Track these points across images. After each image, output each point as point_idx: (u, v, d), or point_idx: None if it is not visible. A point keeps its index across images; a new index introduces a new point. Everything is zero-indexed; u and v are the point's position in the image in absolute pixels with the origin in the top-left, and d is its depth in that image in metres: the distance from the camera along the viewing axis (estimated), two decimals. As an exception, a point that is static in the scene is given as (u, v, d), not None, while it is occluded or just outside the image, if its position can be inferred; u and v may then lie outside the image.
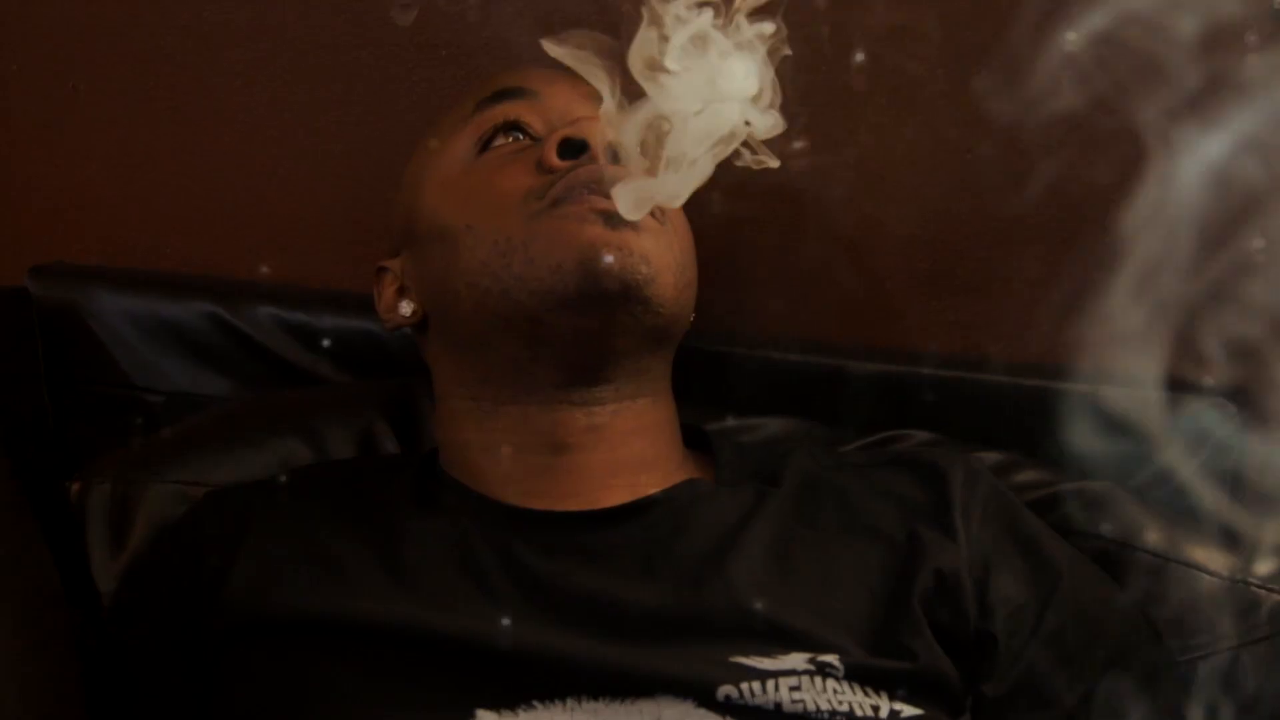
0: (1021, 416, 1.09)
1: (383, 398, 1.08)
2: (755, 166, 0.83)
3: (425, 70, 1.17)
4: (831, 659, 0.79)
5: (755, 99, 0.80)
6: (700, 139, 0.80)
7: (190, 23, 1.18)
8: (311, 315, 1.14)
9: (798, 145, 1.12)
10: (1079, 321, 1.14)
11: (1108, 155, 1.12)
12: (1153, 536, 0.98)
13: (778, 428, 1.08)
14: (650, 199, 0.82)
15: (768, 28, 0.79)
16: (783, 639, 0.80)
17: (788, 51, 0.81)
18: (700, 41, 0.79)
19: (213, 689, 0.85)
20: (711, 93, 0.80)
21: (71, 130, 1.20)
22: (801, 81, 1.09)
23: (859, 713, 0.77)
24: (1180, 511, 1.04)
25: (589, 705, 0.77)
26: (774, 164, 0.83)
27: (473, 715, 0.77)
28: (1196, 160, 1.03)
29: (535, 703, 0.77)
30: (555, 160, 0.89)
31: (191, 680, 0.87)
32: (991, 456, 1.05)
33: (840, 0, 1.12)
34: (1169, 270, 1.12)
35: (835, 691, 0.78)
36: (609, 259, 0.84)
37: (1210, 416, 1.07)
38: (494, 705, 0.77)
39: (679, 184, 0.82)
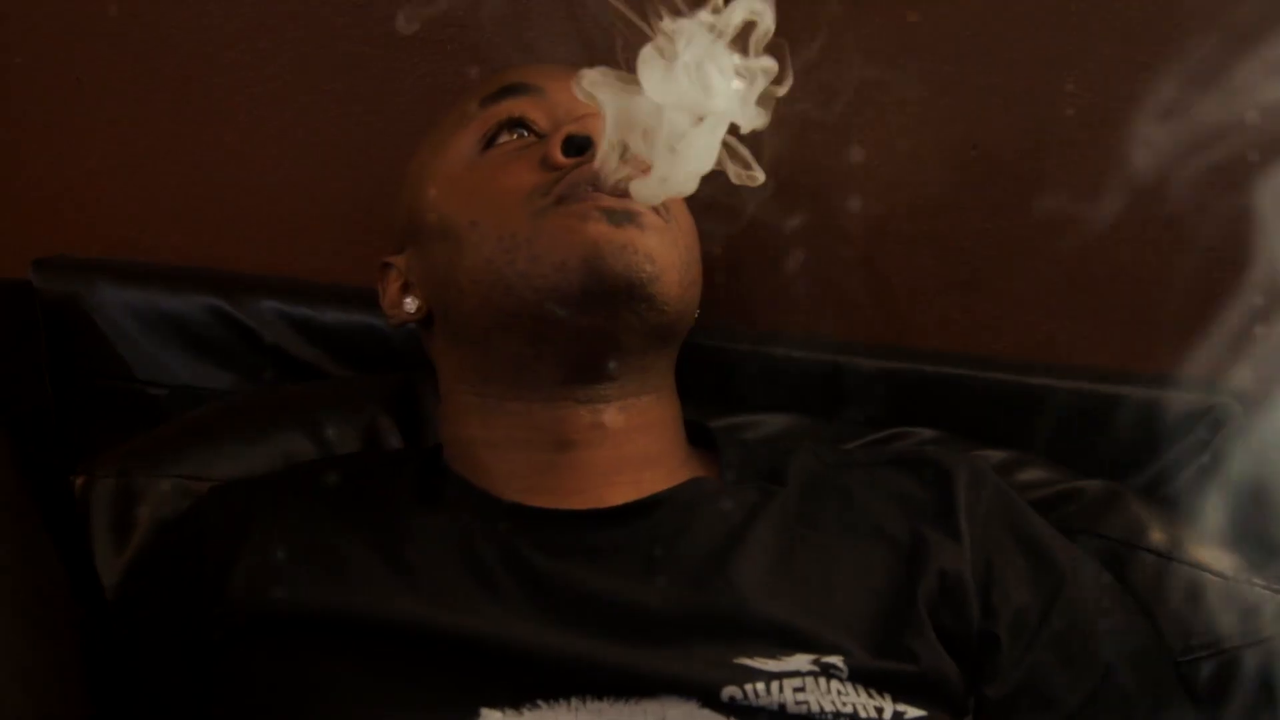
0: (1026, 414, 1.09)
1: (386, 392, 1.08)
2: (746, 183, 0.83)
3: (428, 65, 1.16)
4: (835, 660, 0.79)
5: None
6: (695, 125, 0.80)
7: (193, 16, 1.18)
8: (314, 309, 1.14)
9: (802, 141, 1.12)
10: (1083, 319, 1.14)
11: (1109, 157, 1.12)
12: (1156, 536, 0.98)
13: (781, 424, 1.08)
14: (665, 184, 0.81)
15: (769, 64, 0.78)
16: (787, 640, 0.80)
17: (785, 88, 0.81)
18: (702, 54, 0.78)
19: (216, 685, 0.85)
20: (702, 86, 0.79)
21: (75, 123, 1.20)
22: (807, 77, 1.10)
23: (863, 714, 0.77)
24: (1184, 510, 1.05)
25: (593, 705, 0.77)
26: (760, 179, 0.82)
27: (477, 714, 0.77)
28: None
29: (540, 702, 0.77)
30: (560, 157, 0.89)
31: (194, 676, 0.87)
32: (996, 454, 1.05)
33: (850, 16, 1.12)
34: (1174, 270, 1.12)
35: (839, 693, 0.78)
36: (613, 257, 0.84)
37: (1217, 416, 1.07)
38: (499, 704, 0.77)
39: (687, 170, 0.81)
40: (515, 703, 0.77)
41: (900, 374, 1.10)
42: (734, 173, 0.81)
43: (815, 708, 0.77)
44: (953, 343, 1.14)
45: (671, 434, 0.94)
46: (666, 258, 0.86)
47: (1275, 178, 1.04)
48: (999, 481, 0.93)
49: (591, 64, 0.99)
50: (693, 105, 0.79)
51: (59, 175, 1.21)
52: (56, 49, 1.19)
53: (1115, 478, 1.05)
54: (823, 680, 0.78)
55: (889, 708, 0.78)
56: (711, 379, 1.08)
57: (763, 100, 0.81)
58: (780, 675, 0.78)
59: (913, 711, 0.79)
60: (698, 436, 0.98)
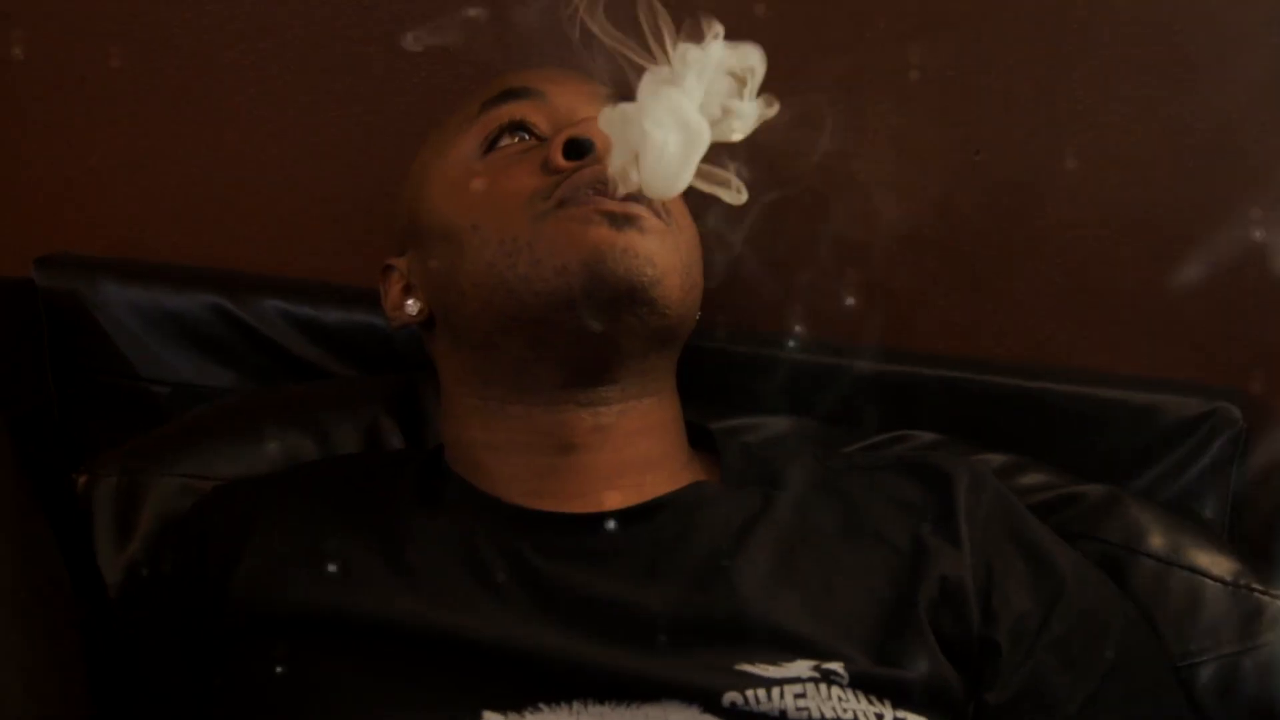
0: (1027, 418, 1.09)
1: (388, 392, 1.09)
2: (728, 200, 0.83)
3: (430, 66, 1.17)
4: (836, 667, 0.79)
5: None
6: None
7: (197, 15, 1.18)
8: (316, 308, 1.14)
9: (806, 143, 1.12)
10: (1084, 323, 1.15)
11: (1112, 162, 1.12)
12: (1156, 541, 0.99)
13: (782, 426, 1.08)
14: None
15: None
16: (788, 646, 0.80)
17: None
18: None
19: (217, 684, 0.86)
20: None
21: (77, 122, 1.20)
22: (812, 81, 1.10)
23: (862, 720, 0.78)
24: (1184, 515, 1.05)
25: (595, 709, 0.77)
26: (740, 200, 0.83)
27: (479, 716, 0.77)
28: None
29: (541, 705, 0.77)
30: (561, 161, 0.89)
31: (196, 675, 0.87)
32: (997, 458, 1.05)
33: (854, 5, 1.12)
34: (1175, 272, 1.13)
35: (840, 699, 0.78)
36: (615, 260, 0.84)
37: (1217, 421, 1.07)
38: (500, 707, 0.77)
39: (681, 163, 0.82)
40: (517, 705, 0.77)
41: (901, 377, 1.10)
42: (721, 194, 0.82)
43: (816, 714, 0.77)
44: (954, 346, 1.14)
45: (673, 437, 0.94)
46: (668, 261, 0.87)
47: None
48: (999, 486, 0.93)
49: (592, 68, 1.00)
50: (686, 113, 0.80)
51: (61, 173, 1.21)
52: (59, 47, 1.19)
53: (1115, 481, 1.05)
54: (823, 686, 0.78)
55: (889, 714, 0.78)
56: (712, 381, 1.08)
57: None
58: (781, 681, 0.78)
59: (913, 718, 0.79)
60: (698, 439, 0.98)
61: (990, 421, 1.09)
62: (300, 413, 1.06)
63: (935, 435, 1.08)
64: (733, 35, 1.11)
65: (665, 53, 0.81)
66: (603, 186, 0.86)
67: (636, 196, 0.86)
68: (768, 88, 1.04)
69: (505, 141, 0.94)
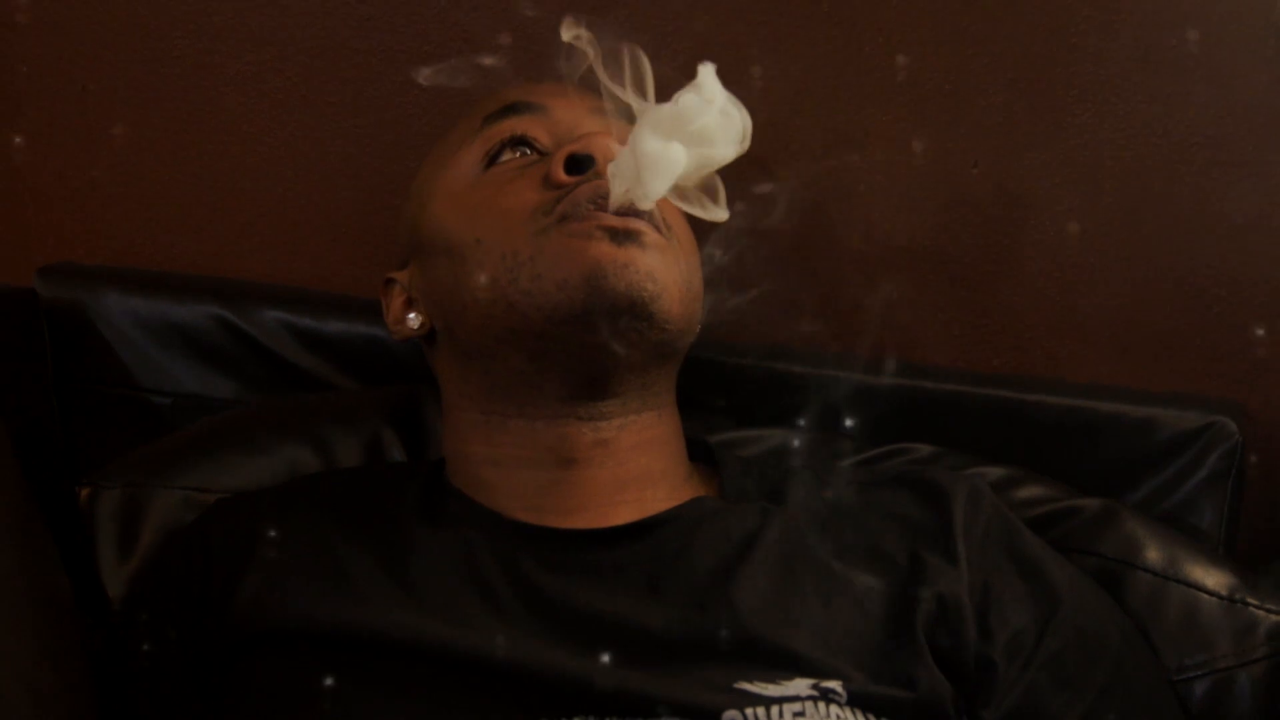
0: (1025, 431, 1.10)
1: (389, 405, 1.09)
2: (705, 218, 0.85)
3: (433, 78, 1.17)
4: (834, 685, 0.80)
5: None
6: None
7: (200, 25, 1.19)
8: (318, 319, 1.15)
9: (805, 159, 1.13)
10: (1081, 336, 1.15)
11: (1109, 177, 1.13)
12: (1152, 555, 0.99)
13: (781, 439, 1.09)
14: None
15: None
16: (786, 664, 0.80)
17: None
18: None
19: (221, 697, 0.86)
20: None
21: (80, 132, 1.21)
22: (811, 96, 1.10)
23: (861, 739, 0.78)
24: (1180, 528, 1.05)
25: None
26: (722, 217, 0.84)
27: (481, 732, 0.78)
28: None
29: None
30: (563, 176, 0.89)
31: (199, 688, 0.87)
32: (994, 471, 1.06)
33: (851, 17, 1.12)
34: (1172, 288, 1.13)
35: (838, 717, 0.78)
36: (615, 275, 0.84)
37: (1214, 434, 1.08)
38: None
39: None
40: None
41: (899, 390, 1.10)
42: (700, 211, 0.84)
43: (815, 733, 0.78)
44: (952, 359, 1.15)
45: (673, 451, 0.94)
46: (668, 275, 0.87)
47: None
48: (996, 502, 0.94)
49: (593, 83, 1.00)
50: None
51: (64, 183, 1.22)
52: (62, 58, 1.20)
53: (1113, 494, 1.06)
54: (822, 705, 0.78)
55: (887, 733, 0.79)
56: (712, 393, 1.08)
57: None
58: (780, 700, 0.78)
59: (911, 737, 0.80)
60: (697, 452, 0.98)
61: (988, 434, 1.09)
62: (302, 425, 1.06)
63: (933, 448, 1.08)
64: (736, 49, 1.13)
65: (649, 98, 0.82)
66: (603, 201, 0.86)
67: (637, 211, 0.86)
68: (765, 100, 1.05)
69: (507, 156, 0.94)
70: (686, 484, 0.94)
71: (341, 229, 1.20)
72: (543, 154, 0.94)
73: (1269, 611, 0.96)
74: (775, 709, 0.78)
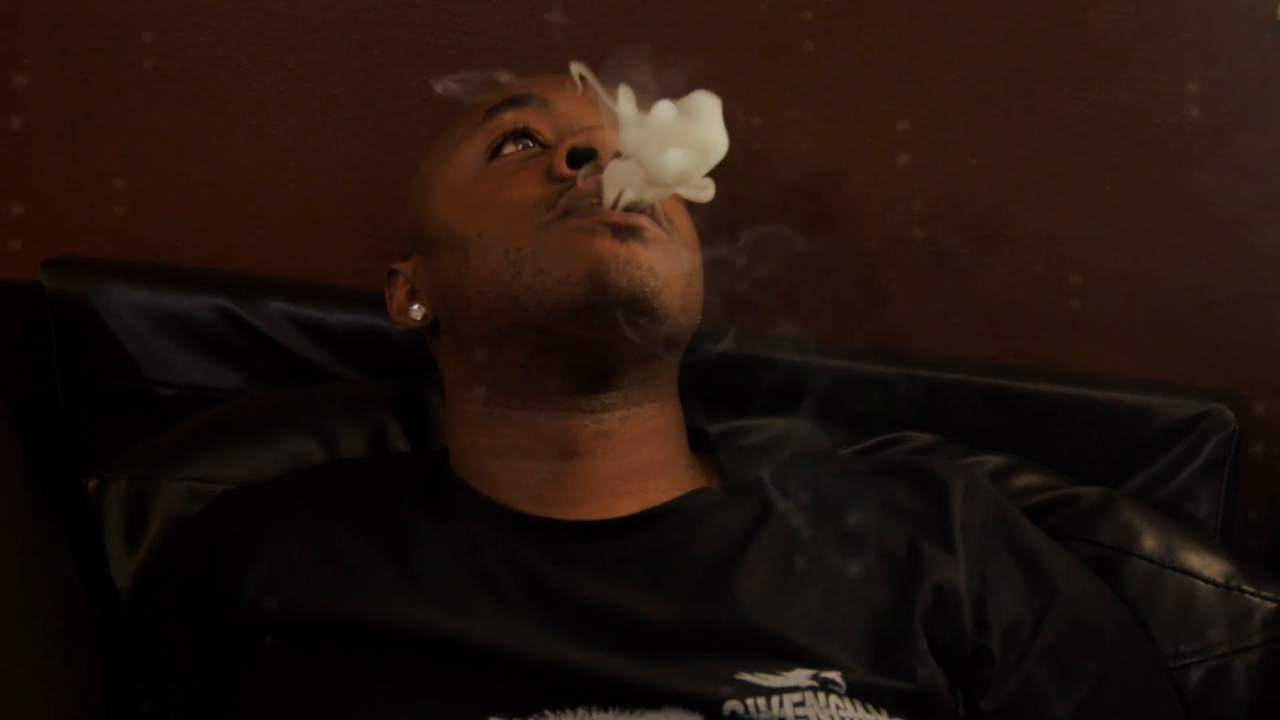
0: (1023, 419, 1.10)
1: (393, 396, 1.10)
2: (690, 198, 0.86)
3: (434, 70, 1.17)
4: (834, 675, 0.81)
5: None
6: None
7: (203, 18, 1.19)
8: (322, 311, 1.15)
9: (801, 148, 1.13)
10: (1080, 325, 1.16)
11: (1106, 166, 1.13)
12: (1149, 543, 1.00)
13: (780, 429, 1.09)
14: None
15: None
16: (787, 655, 0.81)
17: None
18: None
19: (228, 688, 0.87)
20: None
21: (84, 124, 1.21)
22: (808, 86, 1.11)
23: (860, 729, 0.79)
24: (1177, 516, 1.06)
25: (599, 716, 0.79)
26: (707, 196, 0.86)
27: (485, 722, 0.79)
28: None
29: (547, 711, 0.79)
30: (565, 169, 0.89)
31: (206, 678, 0.88)
32: (992, 460, 1.07)
33: (848, 9, 1.13)
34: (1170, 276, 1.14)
35: (838, 707, 0.79)
36: (618, 271, 0.85)
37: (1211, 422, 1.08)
38: (506, 713, 0.79)
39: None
40: (523, 711, 0.79)
41: (897, 379, 1.11)
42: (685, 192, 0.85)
43: (815, 722, 0.79)
44: (950, 348, 1.15)
45: (675, 442, 0.95)
46: (669, 271, 0.87)
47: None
48: (994, 492, 0.94)
49: (594, 76, 1.00)
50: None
51: (68, 176, 1.22)
52: (66, 50, 1.20)
53: (1110, 482, 1.07)
54: (822, 695, 0.79)
55: (885, 722, 0.80)
56: (713, 384, 1.09)
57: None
58: (780, 690, 0.79)
59: (909, 726, 0.81)
60: (698, 442, 0.99)
61: (986, 423, 1.10)
62: (307, 417, 1.07)
63: (932, 437, 1.09)
64: (733, 41, 1.13)
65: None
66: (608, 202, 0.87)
67: (639, 207, 0.87)
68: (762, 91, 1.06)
69: (509, 149, 0.94)
70: (688, 475, 0.94)
71: (345, 221, 1.20)
72: (545, 147, 0.94)
73: (1264, 598, 0.97)
74: (776, 699, 0.79)
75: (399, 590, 0.86)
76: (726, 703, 0.79)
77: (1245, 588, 0.98)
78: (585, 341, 0.87)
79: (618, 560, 0.87)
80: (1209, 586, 0.98)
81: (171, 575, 0.95)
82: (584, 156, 0.89)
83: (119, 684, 0.90)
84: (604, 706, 0.79)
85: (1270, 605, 0.97)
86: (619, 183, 0.85)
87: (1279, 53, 1.09)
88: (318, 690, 0.83)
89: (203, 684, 0.88)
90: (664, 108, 0.83)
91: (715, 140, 0.83)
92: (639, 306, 0.86)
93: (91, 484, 1.02)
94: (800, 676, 0.80)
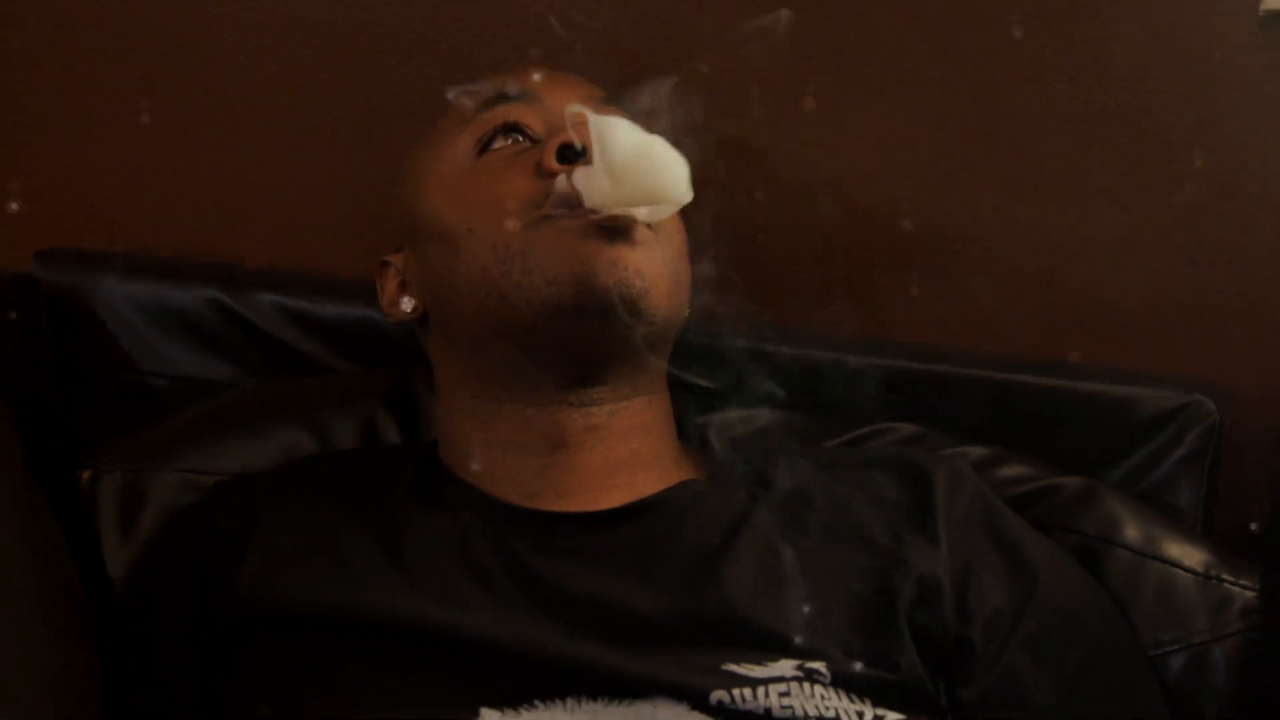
0: (1008, 411, 1.12)
1: (384, 388, 1.10)
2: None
3: (426, 61, 1.18)
4: (819, 666, 0.82)
5: None
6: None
7: (195, 11, 1.19)
8: (313, 303, 1.16)
9: (786, 140, 1.14)
10: (1063, 318, 1.17)
11: (1091, 159, 1.14)
12: (1131, 533, 1.01)
13: (767, 420, 1.10)
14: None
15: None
16: (773, 647, 0.83)
17: None
18: None
19: (221, 678, 0.88)
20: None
21: (77, 116, 1.21)
22: (799, 81, 1.12)
23: (844, 718, 0.80)
24: (1159, 506, 1.08)
25: (588, 706, 0.80)
26: (686, 200, 0.88)
27: (477, 713, 0.80)
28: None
29: (537, 702, 0.80)
30: (555, 164, 0.90)
31: (200, 668, 0.89)
32: (977, 451, 1.08)
33: (839, 9, 1.14)
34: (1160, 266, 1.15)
35: (822, 698, 0.81)
36: (605, 273, 0.86)
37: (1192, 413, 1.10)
38: (497, 704, 0.80)
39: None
40: (513, 702, 0.80)
41: (884, 370, 1.12)
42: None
43: (800, 712, 0.80)
44: (936, 339, 1.16)
45: (664, 434, 0.96)
46: (656, 270, 0.88)
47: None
48: (978, 483, 0.96)
49: (586, 70, 1.01)
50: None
51: (61, 168, 1.22)
52: (58, 42, 1.20)
53: (1093, 473, 1.08)
54: (806, 685, 0.81)
55: (869, 712, 0.81)
56: (699, 375, 1.10)
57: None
58: (766, 681, 0.80)
59: (892, 715, 0.82)
60: (686, 433, 1.00)
61: (971, 414, 1.11)
62: (299, 408, 1.08)
63: (917, 428, 1.10)
64: (715, 30, 1.13)
65: None
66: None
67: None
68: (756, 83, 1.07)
69: (499, 143, 0.95)
70: (676, 467, 0.95)
71: (336, 213, 1.21)
72: (535, 141, 0.95)
73: (1243, 587, 0.99)
74: (761, 690, 0.80)
75: (391, 581, 0.87)
76: (713, 693, 0.80)
77: (1224, 577, 0.99)
78: (572, 341, 0.88)
79: (606, 552, 0.88)
80: (1189, 576, 0.99)
81: (165, 567, 0.95)
82: (574, 152, 0.90)
83: (116, 675, 0.91)
84: (593, 696, 0.80)
85: (1249, 594, 0.98)
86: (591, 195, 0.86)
87: (1263, 48, 1.10)
88: (310, 680, 0.84)
89: (197, 675, 0.89)
90: (628, 155, 0.84)
91: (679, 194, 0.86)
92: (626, 308, 0.86)
93: (86, 475, 1.03)
94: (785, 667, 0.81)
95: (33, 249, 1.16)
